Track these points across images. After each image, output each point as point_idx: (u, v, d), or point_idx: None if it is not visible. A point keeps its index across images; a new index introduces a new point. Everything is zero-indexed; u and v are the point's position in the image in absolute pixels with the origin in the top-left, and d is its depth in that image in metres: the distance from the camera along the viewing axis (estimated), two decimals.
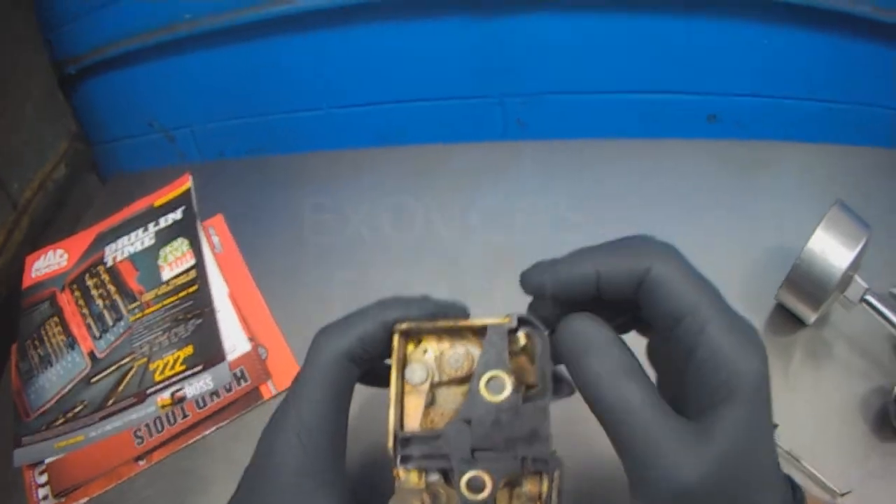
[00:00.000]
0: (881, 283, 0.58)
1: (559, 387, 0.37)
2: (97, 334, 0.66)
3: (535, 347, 0.36)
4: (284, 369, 0.63)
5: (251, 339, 0.64)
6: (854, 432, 0.56)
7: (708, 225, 0.68)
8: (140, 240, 0.73)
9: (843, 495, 0.51)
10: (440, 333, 0.37)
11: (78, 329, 0.67)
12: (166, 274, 0.69)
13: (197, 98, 0.84)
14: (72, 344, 0.66)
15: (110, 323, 0.67)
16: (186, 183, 0.75)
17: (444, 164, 0.79)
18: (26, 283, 0.73)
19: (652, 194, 0.72)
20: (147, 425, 0.61)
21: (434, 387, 0.37)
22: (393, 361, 0.37)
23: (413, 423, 0.36)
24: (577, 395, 0.37)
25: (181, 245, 0.70)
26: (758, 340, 0.35)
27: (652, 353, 0.40)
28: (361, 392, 0.39)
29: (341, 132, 0.85)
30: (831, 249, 0.55)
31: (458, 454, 0.35)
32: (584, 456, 0.52)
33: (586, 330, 0.35)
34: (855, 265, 0.55)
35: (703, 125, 0.80)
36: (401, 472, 0.35)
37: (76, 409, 0.62)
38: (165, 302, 0.67)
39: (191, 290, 0.67)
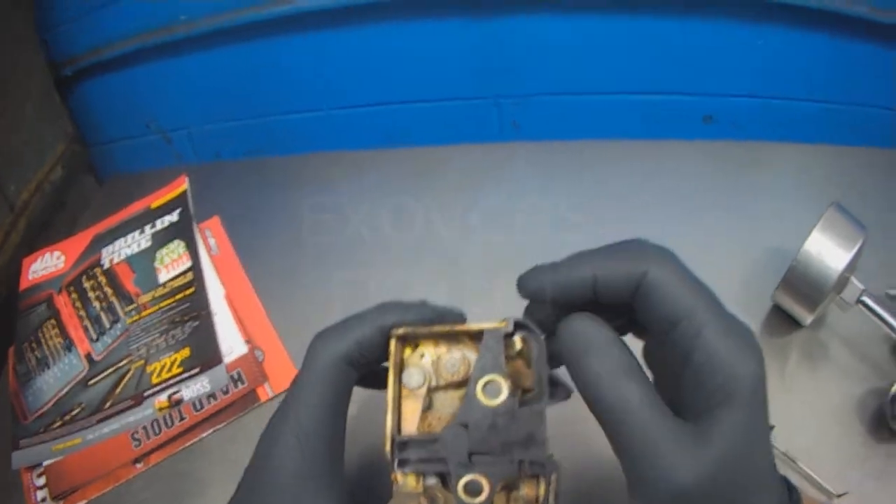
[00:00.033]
0: (877, 285, 0.58)
1: (555, 391, 0.37)
2: (94, 337, 0.66)
3: (531, 351, 0.36)
4: (281, 372, 0.63)
5: (248, 341, 0.64)
6: (850, 433, 0.56)
7: (705, 225, 0.68)
8: (136, 242, 0.72)
9: (839, 496, 0.51)
10: (437, 338, 0.37)
11: (75, 331, 0.67)
12: (163, 276, 0.69)
13: (194, 99, 0.84)
14: (69, 346, 0.66)
15: (107, 325, 0.67)
16: (183, 185, 0.75)
17: (442, 165, 0.79)
18: (23, 285, 0.73)
19: (649, 195, 0.72)
20: (144, 428, 0.61)
21: (431, 391, 0.37)
22: (390, 366, 0.37)
23: (410, 427, 0.36)
24: (575, 397, 0.37)
25: (177, 247, 0.70)
26: (754, 343, 0.35)
27: (648, 355, 0.40)
28: (359, 394, 0.39)
29: (338, 133, 0.85)
30: (827, 251, 0.55)
31: (456, 458, 0.35)
32: (582, 456, 0.52)
33: (587, 330, 0.35)
34: (851, 267, 0.55)
35: (700, 126, 0.80)
36: (398, 475, 0.35)
37: (74, 412, 0.62)
38: (162, 304, 0.67)
39: (187, 292, 0.67)
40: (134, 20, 0.77)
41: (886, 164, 0.72)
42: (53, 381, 0.65)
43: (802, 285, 0.56)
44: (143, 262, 0.71)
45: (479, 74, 0.80)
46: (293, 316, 0.67)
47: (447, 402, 0.37)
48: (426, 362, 0.37)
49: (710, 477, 0.33)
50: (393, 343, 0.37)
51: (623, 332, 0.39)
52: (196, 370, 0.61)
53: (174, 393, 0.61)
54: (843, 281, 0.55)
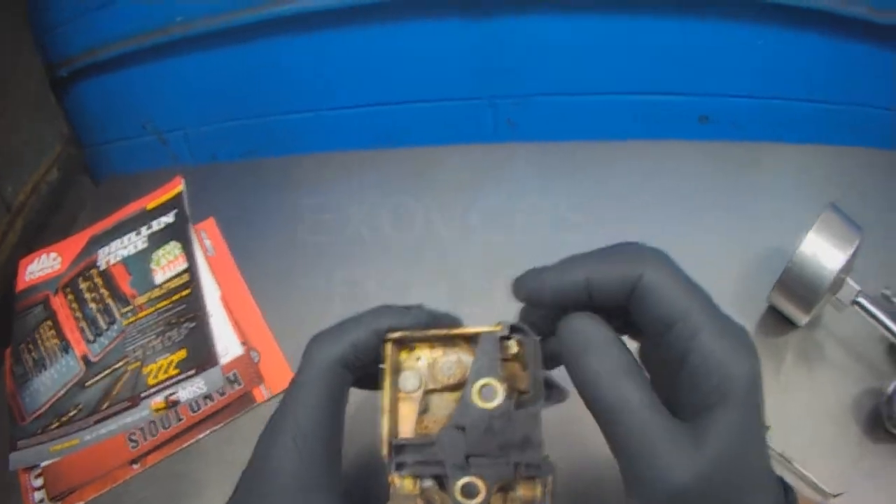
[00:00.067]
0: (873, 285, 0.58)
1: (551, 393, 0.37)
2: (91, 338, 0.66)
3: (526, 354, 0.36)
4: (277, 373, 0.63)
5: (244, 342, 0.64)
6: (846, 434, 0.56)
7: (702, 226, 0.69)
8: (133, 243, 0.72)
9: (835, 496, 0.51)
10: (432, 341, 0.37)
11: (71, 333, 0.67)
12: (159, 278, 0.69)
13: (190, 100, 0.84)
14: (66, 348, 0.66)
15: (104, 327, 0.67)
16: (179, 186, 0.75)
17: (440, 165, 0.79)
18: (20, 286, 0.73)
19: (647, 195, 0.72)
20: (141, 429, 0.61)
21: (427, 394, 0.37)
22: (386, 369, 0.37)
23: (407, 430, 0.37)
24: (570, 400, 0.37)
25: (173, 249, 0.70)
26: (749, 344, 0.35)
27: (644, 357, 0.40)
28: (355, 395, 0.39)
29: (335, 134, 0.85)
30: (823, 252, 0.55)
31: (452, 460, 0.35)
32: (579, 457, 0.52)
33: (587, 329, 0.36)
34: (847, 268, 0.55)
35: (697, 126, 0.80)
36: (395, 478, 0.35)
37: (71, 413, 0.62)
38: (158, 306, 0.67)
39: (183, 293, 0.67)
40: (130, 21, 0.77)
41: (884, 165, 0.72)
42: (50, 382, 0.65)
43: (798, 286, 0.56)
44: (140, 264, 0.71)
45: (476, 74, 0.80)
46: (289, 317, 0.67)
47: (443, 405, 0.37)
48: (422, 365, 0.37)
49: (706, 477, 0.33)
50: (389, 346, 0.37)
51: (619, 334, 0.39)
52: (192, 372, 0.61)
53: (171, 394, 0.61)
54: (838, 282, 0.56)
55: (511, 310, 0.39)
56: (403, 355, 0.38)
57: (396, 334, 0.37)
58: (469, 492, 0.34)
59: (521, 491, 0.35)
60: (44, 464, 0.61)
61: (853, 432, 0.56)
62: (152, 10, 0.76)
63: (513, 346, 0.36)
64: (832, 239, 0.55)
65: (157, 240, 0.72)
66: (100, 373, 0.64)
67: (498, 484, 0.35)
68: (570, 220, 0.71)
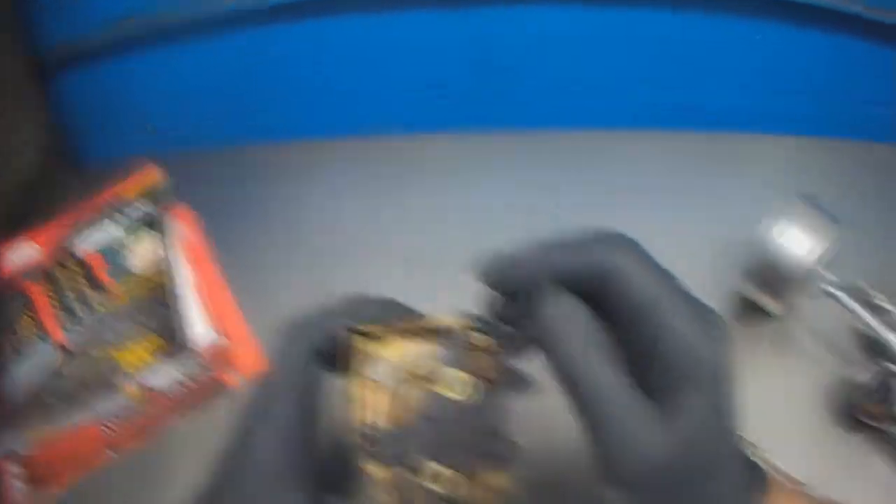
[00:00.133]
0: (848, 276, 0.58)
1: (518, 383, 0.38)
2: (68, 326, 0.66)
3: (493, 345, 0.37)
4: (249, 360, 0.64)
5: (217, 330, 0.64)
6: (818, 423, 0.57)
7: (676, 216, 0.69)
8: (110, 231, 0.72)
9: (801, 485, 0.52)
10: (402, 333, 0.38)
11: (49, 321, 0.67)
12: (135, 265, 0.69)
13: (171, 89, 0.84)
14: (43, 336, 0.66)
15: (80, 314, 0.67)
16: (156, 174, 0.75)
17: (418, 155, 0.79)
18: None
19: (626, 185, 0.73)
20: (117, 416, 0.61)
21: (397, 385, 0.37)
22: (356, 360, 0.37)
23: (377, 419, 0.37)
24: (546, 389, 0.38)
25: (150, 237, 0.70)
26: (720, 327, 0.36)
27: (614, 340, 0.40)
28: (328, 383, 0.39)
29: (317, 122, 0.84)
30: (796, 241, 0.55)
31: (422, 449, 0.36)
32: (549, 444, 0.52)
33: (564, 309, 0.36)
34: (821, 258, 0.56)
35: (678, 116, 0.80)
36: (366, 467, 0.36)
37: (48, 401, 0.62)
38: (134, 293, 0.67)
39: (159, 281, 0.67)
40: (114, 9, 0.77)
41: (864, 159, 0.73)
42: (28, 370, 0.65)
43: (770, 276, 0.57)
44: (116, 252, 0.71)
45: (460, 64, 0.80)
46: (262, 306, 0.67)
47: (412, 396, 0.37)
48: (391, 356, 0.38)
49: (677, 456, 0.34)
50: (360, 337, 0.37)
51: None
52: (166, 358, 0.61)
53: (145, 381, 0.61)
54: (811, 272, 0.56)
55: (479, 305, 0.39)
56: (374, 346, 0.38)
57: (368, 325, 0.37)
58: (438, 479, 0.35)
59: (490, 478, 0.36)
60: (22, 451, 0.60)
61: (825, 422, 0.57)
62: None
63: (480, 338, 0.37)
64: (806, 229, 0.56)
65: (134, 227, 0.72)
66: (76, 360, 0.64)
67: (467, 471, 0.35)
68: (544, 211, 0.71)
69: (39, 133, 0.82)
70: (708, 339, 0.35)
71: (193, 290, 0.66)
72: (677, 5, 0.73)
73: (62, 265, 0.71)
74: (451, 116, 0.82)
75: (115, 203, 0.75)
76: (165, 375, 0.61)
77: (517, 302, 0.38)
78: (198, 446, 0.59)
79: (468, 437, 0.36)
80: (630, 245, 0.37)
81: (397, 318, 0.38)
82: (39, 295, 0.69)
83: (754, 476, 0.39)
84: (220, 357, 0.63)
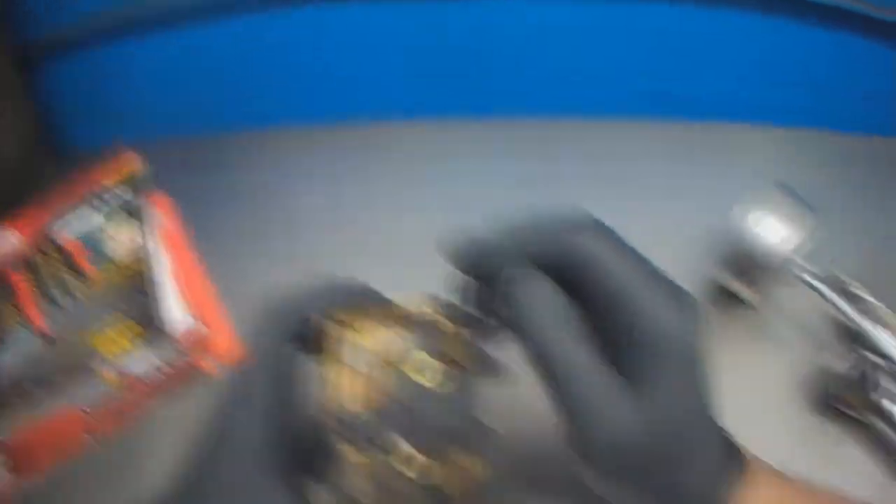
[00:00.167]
0: (827, 266, 0.58)
1: (489, 368, 0.39)
2: (48, 313, 0.66)
3: (463, 330, 0.37)
4: (226, 346, 0.64)
5: (194, 316, 0.64)
6: (796, 413, 0.57)
7: (655, 206, 0.69)
8: (89, 219, 0.72)
9: None
10: (374, 318, 0.38)
11: (30, 309, 0.67)
12: (114, 253, 0.69)
13: (151, 77, 0.84)
14: (24, 324, 0.66)
15: (61, 302, 0.67)
16: (135, 162, 0.75)
17: (396, 143, 0.80)
18: None
19: (605, 174, 0.73)
20: (96, 402, 0.61)
21: (369, 369, 0.38)
22: (330, 345, 0.38)
23: (350, 403, 0.38)
24: (509, 374, 0.38)
25: (129, 224, 0.70)
26: (693, 308, 0.36)
27: (584, 320, 0.41)
28: (304, 368, 0.40)
29: (294, 110, 0.84)
30: (771, 230, 0.56)
31: (392, 431, 0.36)
32: (518, 429, 0.53)
33: (535, 290, 0.37)
34: (797, 247, 0.56)
35: (661, 106, 0.80)
36: (340, 450, 0.36)
37: (28, 388, 0.62)
38: (113, 280, 0.67)
39: (137, 268, 0.67)
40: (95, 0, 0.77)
41: (841, 149, 0.73)
42: (8, 358, 0.65)
43: (745, 265, 0.57)
44: (96, 239, 0.71)
45: (440, 52, 0.80)
46: (238, 292, 0.67)
47: (382, 379, 0.38)
48: (364, 342, 0.38)
49: (649, 435, 0.34)
50: (334, 323, 0.38)
51: None
52: (143, 344, 0.62)
53: (123, 367, 0.61)
54: (787, 261, 0.56)
55: (451, 292, 0.39)
56: (348, 331, 0.38)
57: (340, 310, 0.38)
58: (410, 462, 0.36)
59: (461, 461, 0.36)
60: (2, 438, 0.60)
61: (802, 411, 0.57)
62: None
63: (449, 323, 0.37)
64: (781, 218, 0.56)
65: (113, 215, 0.72)
66: (56, 346, 0.64)
67: (438, 454, 0.36)
68: (522, 197, 0.71)
69: (22, 123, 0.82)
70: (680, 320, 0.35)
71: (171, 277, 0.66)
72: None
73: (43, 252, 0.71)
74: (430, 104, 0.82)
75: (94, 190, 0.75)
76: (143, 361, 0.61)
77: (488, 285, 0.38)
78: (175, 432, 0.59)
79: (440, 422, 0.36)
80: (601, 227, 0.38)
81: (371, 304, 0.39)
82: (21, 283, 0.69)
83: (732, 456, 0.40)
84: (197, 343, 0.63)
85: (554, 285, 0.37)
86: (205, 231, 0.73)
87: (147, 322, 0.63)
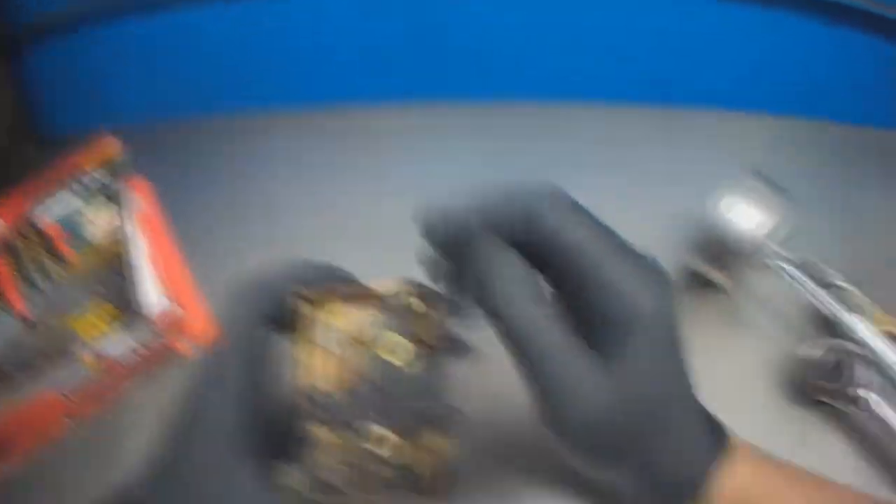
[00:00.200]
0: (804, 253, 0.59)
1: (458, 349, 0.39)
2: (29, 298, 0.66)
3: (432, 311, 0.38)
4: (201, 328, 0.65)
5: (170, 298, 0.64)
6: (770, 400, 0.57)
7: (629, 190, 0.69)
8: (69, 202, 0.72)
9: None
10: (344, 298, 0.39)
11: (11, 292, 0.67)
12: (93, 236, 0.69)
13: (132, 62, 0.84)
14: (5, 307, 0.66)
15: (41, 286, 0.67)
16: (114, 146, 0.75)
17: (372, 127, 0.80)
18: None
19: (578, 158, 0.73)
20: (76, 385, 0.61)
21: (340, 349, 0.38)
22: (302, 325, 0.38)
23: (321, 383, 0.38)
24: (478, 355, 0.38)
25: (108, 207, 0.70)
26: (658, 273, 0.36)
27: (556, 297, 0.41)
28: (277, 348, 0.40)
29: (271, 94, 0.84)
30: (744, 215, 0.56)
31: (364, 412, 0.37)
32: (487, 409, 0.53)
33: (504, 267, 0.37)
34: (770, 232, 0.56)
35: (629, 90, 0.80)
36: (311, 429, 0.37)
37: (8, 372, 0.62)
38: (92, 264, 0.67)
39: (115, 251, 0.67)
40: None
41: (819, 137, 0.74)
42: None
43: (718, 250, 0.57)
44: (75, 222, 0.71)
45: (414, 35, 0.80)
46: (215, 275, 0.67)
47: (354, 360, 0.38)
48: (336, 322, 0.39)
49: (620, 407, 0.34)
50: (305, 302, 0.38)
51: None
52: (121, 326, 0.62)
53: (101, 349, 0.61)
54: (759, 245, 0.56)
55: (423, 274, 0.40)
56: (318, 311, 0.39)
57: (312, 290, 0.38)
58: (380, 441, 0.36)
59: (430, 440, 0.37)
60: None
61: (777, 398, 0.58)
62: None
63: (420, 304, 0.38)
64: (755, 203, 0.56)
65: (92, 199, 0.72)
66: (35, 330, 0.64)
67: (407, 433, 0.37)
68: (495, 181, 0.71)
69: (4, 108, 0.81)
70: (646, 286, 0.35)
71: (148, 260, 0.67)
72: None
73: (24, 237, 0.71)
74: (410, 87, 0.82)
75: (74, 174, 0.75)
76: (120, 344, 0.61)
77: (458, 262, 0.39)
78: (152, 414, 0.59)
79: (410, 401, 0.37)
80: (570, 202, 0.38)
81: (342, 285, 0.39)
82: (2, 267, 0.69)
83: (713, 434, 0.40)
84: (173, 325, 0.63)
85: (523, 262, 0.37)
86: (183, 215, 0.73)
87: (124, 305, 0.63)
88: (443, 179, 0.72)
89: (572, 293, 0.37)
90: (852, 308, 0.57)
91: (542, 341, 0.35)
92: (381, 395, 0.37)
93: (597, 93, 0.78)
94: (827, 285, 0.58)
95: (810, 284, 0.58)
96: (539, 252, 0.37)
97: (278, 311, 0.39)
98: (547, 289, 0.38)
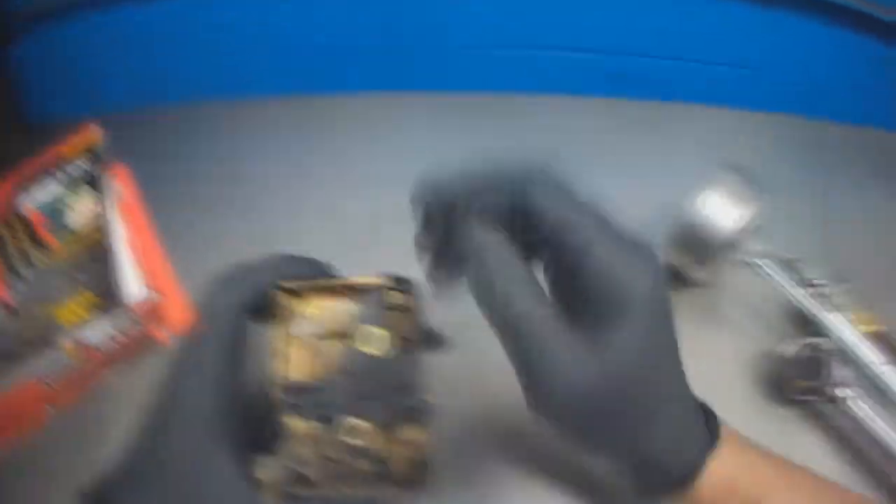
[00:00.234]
0: (781, 249, 0.59)
1: (431, 341, 0.40)
2: (11, 284, 0.66)
3: (408, 304, 0.38)
4: (180, 316, 0.65)
5: (149, 286, 0.64)
6: (746, 396, 0.58)
7: (607, 182, 0.68)
8: (50, 189, 0.72)
9: None
10: (322, 291, 0.39)
11: None
12: (74, 223, 0.69)
13: (118, 49, 0.83)
14: None
15: (24, 273, 0.67)
16: (96, 133, 0.75)
17: (352, 115, 0.80)
18: None
19: (554, 151, 0.73)
20: (55, 372, 0.61)
21: (317, 340, 0.39)
22: (279, 316, 0.38)
23: (298, 373, 0.38)
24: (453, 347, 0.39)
25: (88, 194, 0.70)
26: (649, 255, 0.36)
27: (545, 274, 0.41)
28: (254, 338, 0.40)
29: (245, 81, 0.84)
30: (720, 211, 0.56)
31: (339, 403, 0.37)
32: (461, 402, 0.53)
33: (485, 241, 0.37)
34: (745, 228, 0.56)
35: (608, 83, 0.81)
36: (288, 419, 0.37)
37: None
38: (73, 250, 0.67)
39: (95, 238, 0.67)
40: None
41: (795, 133, 0.74)
42: None
43: (694, 244, 0.57)
44: (56, 209, 0.71)
45: (392, 24, 0.80)
46: (193, 263, 0.66)
47: (331, 351, 0.39)
48: (312, 313, 0.39)
49: (605, 386, 0.34)
50: (282, 294, 0.38)
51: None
52: (101, 314, 0.62)
53: (82, 337, 0.61)
54: (735, 241, 0.57)
55: (399, 264, 0.40)
56: (296, 303, 0.39)
57: (290, 282, 0.38)
58: (355, 432, 0.36)
59: (404, 432, 0.37)
60: None
61: (752, 395, 0.58)
62: None
63: (396, 297, 0.38)
64: (731, 198, 0.56)
65: (74, 185, 0.72)
66: (17, 317, 0.64)
67: (381, 425, 0.37)
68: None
69: None
70: (636, 267, 0.35)
71: (127, 247, 0.66)
72: None
73: (8, 225, 0.71)
74: (390, 76, 0.82)
75: (58, 162, 0.74)
76: (100, 331, 0.61)
77: (445, 231, 0.39)
78: (131, 401, 0.59)
79: (385, 392, 0.37)
80: (546, 175, 0.38)
81: (321, 278, 0.39)
82: None
83: (707, 423, 0.40)
84: (152, 312, 0.63)
85: (508, 241, 0.37)
86: (161, 201, 0.72)
87: (104, 292, 0.63)
88: (419, 167, 0.72)
89: (563, 272, 0.37)
90: (831, 306, 0.57)
91: (530, 318, 0.35)
92: (356, 385, 0.37)
93: (597, 91, 0.79)
94: (805, 283, 0.58)
95: (788, 282, 0.58)
96: (529, 227, 0.37)
97: (258, 301, 0.39)
98: (537, 268, 0.39)
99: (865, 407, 0.54)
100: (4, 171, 0.79)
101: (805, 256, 0.60)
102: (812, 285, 0.58)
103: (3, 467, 0.59)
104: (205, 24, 0.81)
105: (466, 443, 0.54)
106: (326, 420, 0.37)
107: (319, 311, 0.39)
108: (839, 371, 0.55)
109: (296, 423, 0.37)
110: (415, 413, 0.37)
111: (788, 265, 0.59)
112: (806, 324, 0.58)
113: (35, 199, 0.72)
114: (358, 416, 0.37)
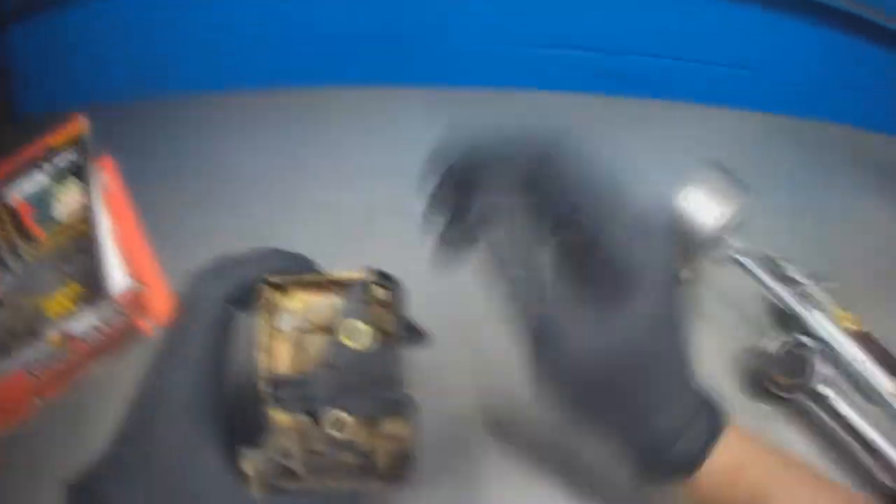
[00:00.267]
0: (763, 246, 0.60)
1: (413, 335, 0.40)
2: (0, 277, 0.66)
3: (391, 299, 0.38)
4: (164, 307, 0.65)
5: (134, 277, 0.64)
6: (724, 392, 0.58)
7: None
8: (37, 180, 0.72)
9: None
10: (307, 285, 0.40)
11: None
12: (60, 214, 0.69)
13: (105, 41, 0.83)
14: None
15: (11, 265, 0.67)
16: (83, 124, 0.75)
17: (337, 108, 0.80)
18: None
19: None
20: (42, 363, 0.61)
21: (301, 334, 0.39)
22: (263, 309, 0.38)
23: (282, 367, 0.39)
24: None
25: (74, 186, 0.70)
26: (661, 235, 0.36)
27: (554, 248, 0.41)
28: (239, 330, 0.40)
29: (231, 74, 0.84)
30: (702, 207, 0.56)
31: (323, 396, 0.37)
32: (443, 396, 0.53)
33: (511, 210, 0.38)
34: (727, 225, 0.57)
35: (607, 82, 0.81)
36: (272, 412, 0.37)
37: None
38: (59, 241, 0.67)
39: (81, 229, 0.67)
40: None
41: (780, 131, 0.75)
42: None
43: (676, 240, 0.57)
44: (43, 201, 0.71)
45: (377, 15, 0.80)
46: (177, 255, 0.67)
47: (315, 345, 0.39)
48: (296, 307, 0.39)
49: (614, 354, 0.35)
50: (267, 288, 0.39)
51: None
52: (86, 305, 0.62)
53: (67, 328, 0.61)
54: (717, 238, 0.57)
55: (389, 258, 0.40)
56: (280, 297, 0.39)
57: (275, 276, 0.39)
58: (338, 425, 0.37)
59: (387, 426, 0.38)
60: None
61: (734, 391, 0.58)
62: None
63: (379, 292, 0.39)
64: (713, 195, 0.56)
65: (60, 177, 0.72)
66: (5, 310, 0.64)
67: (364, 418, 0.37)
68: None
69: None
70: (648, 247, 0.36)
71: (112, 238, 0.67)
72: None
73: None
74: (380, 70, 0.83)
75: (44, 153, 0.74)
76: (85, 322, 0.62)
77: (462, 193, 0.39)
78: (115, 391, 0.59)
79: (368, 386, 0.37)
80: (578, 149, 0.38)
81: (305, 272, 0.40)
82: None
83: (710, 405, 0.40)
84: (136, 303, 0.64)
85: (527, 208, 0.38)
86: (146, 193, 0.73)
87: (88, 282, 0.63)
88: (415, 167, 0.72)
89: (578, 242, 0.38)
90: (809, 301, 0.58)
91: (543, 284, 0.36)
92: (340, 378, 0.37)
93: (595, 89, 0.79)
94: (787, 280, 0.59)
95: (769, 279, 0.58)
96: (546, 199, 0.38)
97: (242, 294, 0.39)
98: (550, 238, 0.39)
99: (847, 404, 0.55)
100: None
101: (802, 256, 0.60)
102: (793, 282, 0.59)
103: None
104: (199, 16, 0.81)
105: (451, 437, 0.54)
106: (311, 413, 0.37)
107: (303, 306, 0.39)
108: (821, 368, 0.55)
109: (280, 416, 0.37)
110: (398, 407, 0.37)
111: (767, 260, 0.59)
112: (788, 320, 0.59)
113: (22, 189, 0.72)
114: (342, 409, 0.37)
